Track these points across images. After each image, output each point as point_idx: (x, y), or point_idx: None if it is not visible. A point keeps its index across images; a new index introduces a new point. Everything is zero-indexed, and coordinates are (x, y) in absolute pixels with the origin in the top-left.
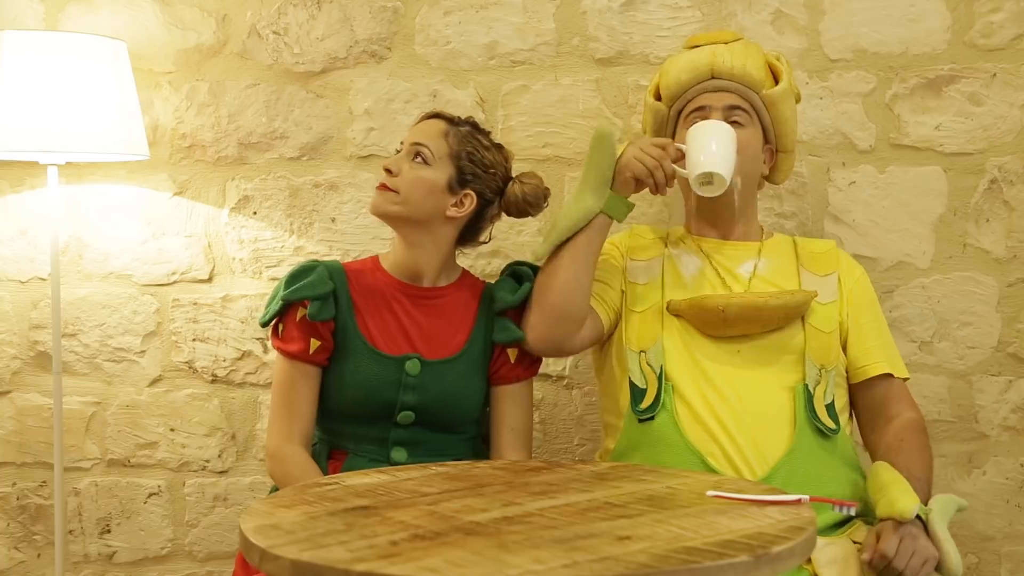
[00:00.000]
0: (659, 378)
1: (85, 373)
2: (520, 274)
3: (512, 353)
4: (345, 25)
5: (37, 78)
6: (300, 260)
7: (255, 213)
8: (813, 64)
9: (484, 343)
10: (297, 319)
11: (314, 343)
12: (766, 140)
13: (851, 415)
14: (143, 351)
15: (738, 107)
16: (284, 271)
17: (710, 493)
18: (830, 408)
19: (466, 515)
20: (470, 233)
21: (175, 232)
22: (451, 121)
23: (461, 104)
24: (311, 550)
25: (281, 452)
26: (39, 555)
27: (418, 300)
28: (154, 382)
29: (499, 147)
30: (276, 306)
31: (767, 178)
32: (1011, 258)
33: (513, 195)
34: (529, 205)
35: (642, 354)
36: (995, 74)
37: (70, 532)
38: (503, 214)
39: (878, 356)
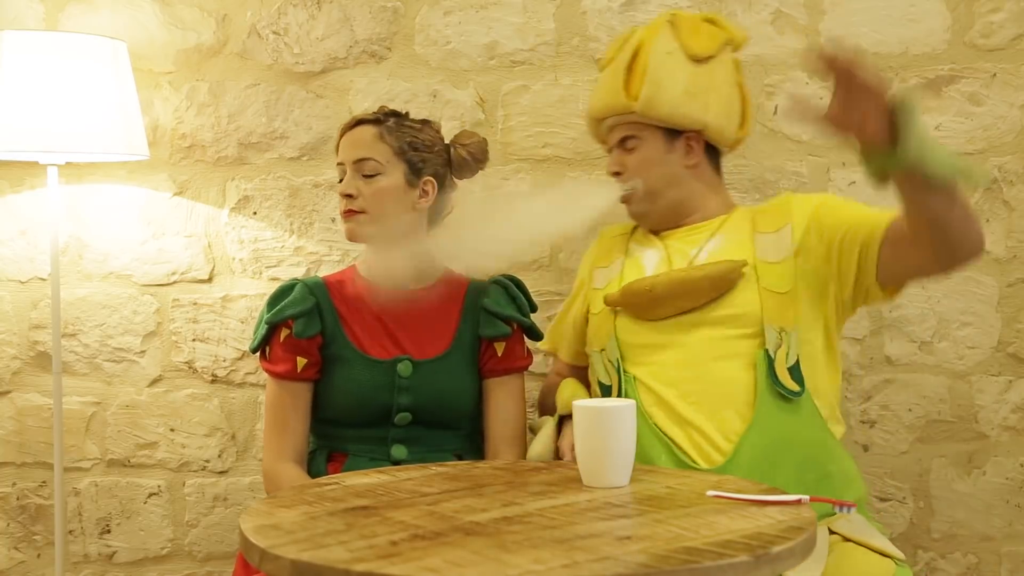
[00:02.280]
0: (618, 371)
1: (85, 373)
2: (511, 294)
3: (499, 347)
4: (345, 25)
5: (37, 78)
6: (300, 260)
7: (255, 213)
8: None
9: (472, 337)
10: (282, 340)
11: (300, 361)
12: (679, 134)
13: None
14: (143, 351)
15: (626, 136)
16: (284, 271)
17: (710, 493)
18: (793, 370)
19: (466, 515)
20: (435, 212)
21: (175, 232)
22: (375, 121)
23: (461, 104)
24: (311, 550)
25: (274, 471)
26: (39, 555)
27: (401, 303)
28: (154, 382)
29: (426, 122)
30: (263, 330)
31: (725, 149)
32: (1011, 258)
33: (460, 159)
34: (477, 162)
35: (602, 352)
36: (995, 74)
37: (70, 532)
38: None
39: (874, 221)
